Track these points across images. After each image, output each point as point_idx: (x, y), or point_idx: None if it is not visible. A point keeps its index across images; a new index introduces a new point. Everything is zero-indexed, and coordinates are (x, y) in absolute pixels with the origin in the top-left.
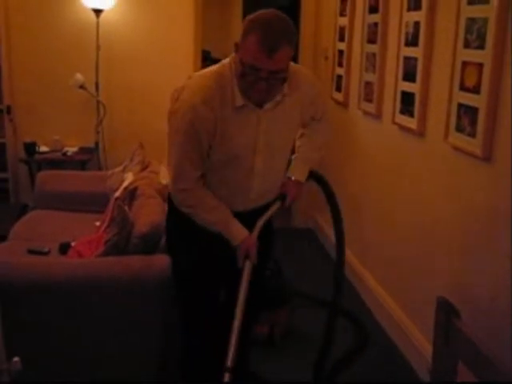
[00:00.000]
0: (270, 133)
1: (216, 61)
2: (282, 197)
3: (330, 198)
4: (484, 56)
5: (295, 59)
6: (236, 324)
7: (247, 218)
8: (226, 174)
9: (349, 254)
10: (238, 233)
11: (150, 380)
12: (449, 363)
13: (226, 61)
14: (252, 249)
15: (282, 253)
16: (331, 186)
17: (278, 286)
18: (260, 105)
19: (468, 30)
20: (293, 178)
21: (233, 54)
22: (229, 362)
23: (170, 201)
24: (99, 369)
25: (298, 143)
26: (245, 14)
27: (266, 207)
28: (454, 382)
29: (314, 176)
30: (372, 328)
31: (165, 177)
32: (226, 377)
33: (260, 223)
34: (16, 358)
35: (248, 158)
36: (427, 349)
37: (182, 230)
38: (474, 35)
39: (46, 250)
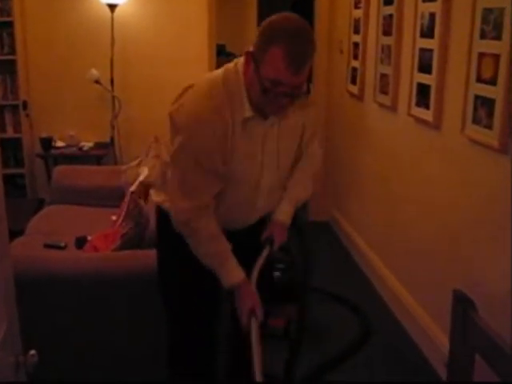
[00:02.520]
0: (275, 147)
1: (230, 54)
2: (269, 241)
3: (306, 253)
4: (501, 47)
5: None
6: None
7: (240, 235)
8: (231, 191)
9: (363, 245)
10: (233, 273)
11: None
12: (466, 356)
13: (230, 65)
14: (256, 306)
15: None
16: (309, 242)
17: (292, 280)
18: (265, 116)
19: (484, 21)
20: (280, 222)
21: (240, 61)
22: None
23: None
24: (114, 362)
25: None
26: (260, 7)
27: (258, 223)
28: (471, 375)
29: (296, 225)
30: (386, 321)
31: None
32: None
33: (255, 273)
34: (32, 351)
35: (254, 174)
36: (444, 342)
37: (177, 245)
38: (491, 26)
39: (63, 244)
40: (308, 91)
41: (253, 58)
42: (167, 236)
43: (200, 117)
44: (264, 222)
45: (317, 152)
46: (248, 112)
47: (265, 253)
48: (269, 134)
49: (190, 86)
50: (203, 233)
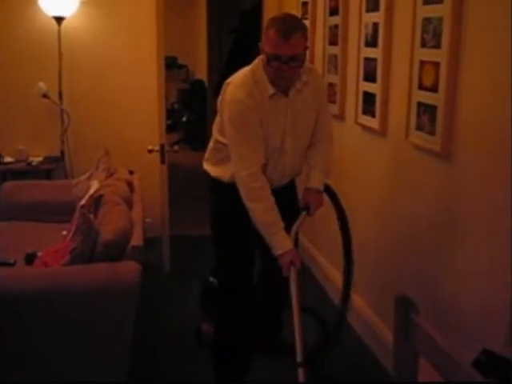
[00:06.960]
0: (294, 116)
1: (182, 66)
2: (305, 207)
3: (340, 212)
4: (440, 55)
5: None
6: (296, 322)
7: (279, 193)
8: (265, 154)
9: (316, 254)
10: (284, 243)
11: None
12: (409, 358)
13: (256, 61)
14: (296, 259)
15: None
16: (341, 202)
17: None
18: (286, 93)
19: (424, 30)
20: (313, 188)
21: (261, 56)
22: (299, 358)
23: (218, 187)
24: (67, 378)
25: (308, 154)
26: (210, 19)
27: (290, 183)
28: (415, 376)
29: (328, 190)
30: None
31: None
32: (301, 372)
33: (293, 233)
34: None
35: (279, 138)
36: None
37: (229, 210)
38: (431, 35)
39: (12, 261)
40: (302, 61)
41: (261, 47)
42: (220, 201)
43: (238, 101)
44: (293, 182)
45: (331, 136)
46: (271, 90)
47: (302, 216)
48: (289, 105)
49: (229, 83)
50: (264, 204)
